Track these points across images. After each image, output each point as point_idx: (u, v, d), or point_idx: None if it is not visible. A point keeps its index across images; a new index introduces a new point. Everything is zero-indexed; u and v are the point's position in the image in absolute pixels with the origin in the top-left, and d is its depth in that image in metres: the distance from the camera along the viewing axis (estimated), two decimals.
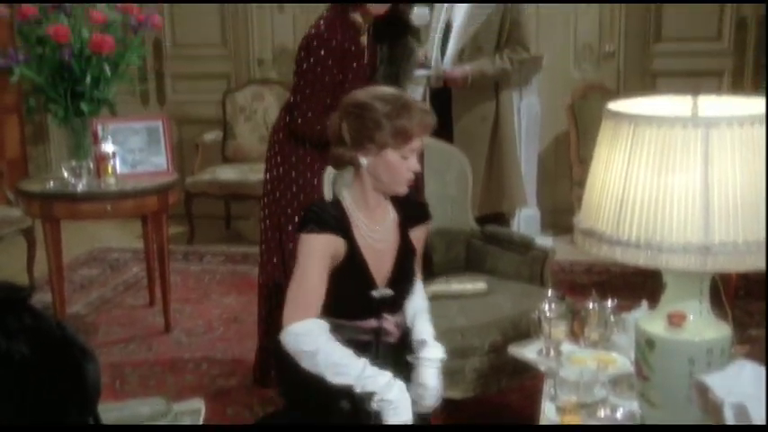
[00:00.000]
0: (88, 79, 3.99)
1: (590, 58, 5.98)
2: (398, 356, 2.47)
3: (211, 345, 4.22)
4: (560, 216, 5.56)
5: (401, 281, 2.50)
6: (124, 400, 2.20)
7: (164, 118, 4.44)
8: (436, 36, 4.64)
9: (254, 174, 5.65)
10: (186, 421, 2.09)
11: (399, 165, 2.39)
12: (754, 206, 1.71)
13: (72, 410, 1.29)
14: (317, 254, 2.35)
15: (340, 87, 3.33)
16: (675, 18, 5.82)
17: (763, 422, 1.57)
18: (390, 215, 2.51)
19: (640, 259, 1.77)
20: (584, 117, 5.41)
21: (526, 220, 5.65)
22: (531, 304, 2.71)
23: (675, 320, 1.87)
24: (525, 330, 2.65)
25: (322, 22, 3.37)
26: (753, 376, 1.67)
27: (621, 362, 2.37)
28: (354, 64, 3.37)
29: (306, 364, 2.28)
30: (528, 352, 2.54)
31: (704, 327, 1.89)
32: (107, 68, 4.05)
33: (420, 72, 4.62)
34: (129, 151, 4.22)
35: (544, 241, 4.90)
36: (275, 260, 3.50)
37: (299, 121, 3.36)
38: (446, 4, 4.62)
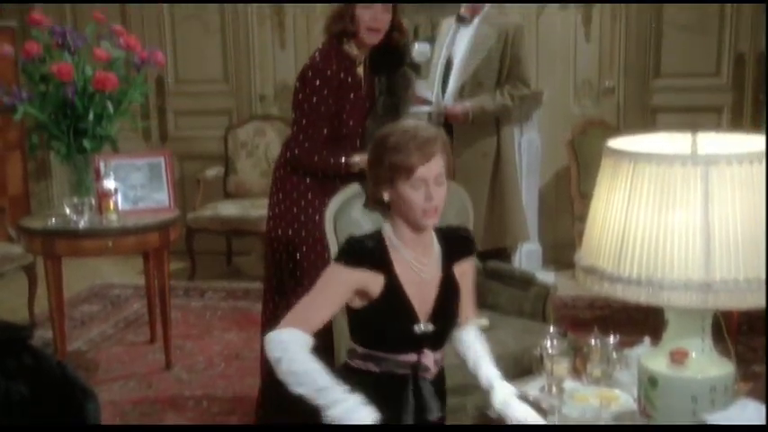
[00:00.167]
0: (91, 116, 4.00)
1: (590, 93, 6.02)
2: (435, 391, 2.45)
3: (212, 382, 4.20)
4: (562, 251, 5.57)
5: (443, 316, 2.45)
6: None
7: (166, 154, 4.45)
8: (437, 72, 4.67)
9: (256, 209, 5.67)
10: None
11: (412, 196, 2.33)
12: (754, 243, 1.71)
13: None
14: (337, 285, 2.34)
15: (338, 119, 3.36)
16: (674, 54, 5.86)
17: None
18: (435, 248, 2.47)
19: (641, 296, 1.77)
20: (585, 152, 5.43)
21: (527, 255, 5.65)
22: (533, 340, 2.69)
23: (678, 358, 1.87)
24: (528, 367, 2.64)
25: (317, 53, 3.41)
26: (755, 416, 1.66)
27: (624, 399, 2.35)
28: (352, 95, 3.39)
29: (276, 371, 2.25)
30: (530, 389, 2.52)
31: (707, 364, 1.88)
32: (110, 106, 4.07)
33: (421, 108, 4.65)
34: (130, 188, 4.23)
35: (546, 276, 4.90)
36: (277, 297, 3.49)
37: (297, 151, 3.37)
38: (447, 41, 4.66)
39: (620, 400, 2.35)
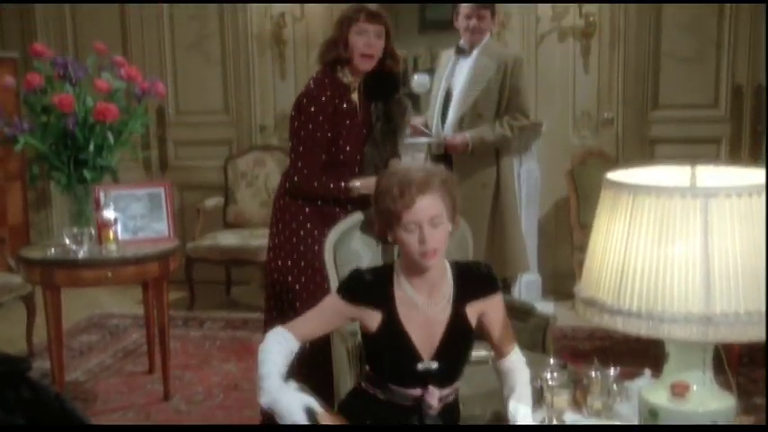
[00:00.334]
0: (91, 147, 4.01)
1: (589, 124, 6.04)
2: (445, 422, 2.45)
3: (211, 413, 4.17)
4: (561, 281, 5.56)
5: (449, 355, 2.43)
6: None
7: (166, 185, 4.46)
8: (437, 103, 4.70)
9: (255, 239, 5.67)
10: None
11: (406, 239, 2.32)
12: (754, 276, 1.71)
13: None
14: (331, 313, 2.43)
15: (335, 145, 3.38)
16: (672, 85, 5.90)
17: None
18: (446, 287, 2.43)
19: (642, 329, 1.77)
20: (584, 182, 5.45)
21: (527, 285, 5.65)
22: (532, 372, 2.68)
23: (679, 391, 1.86)
24: None
25: (311, 81, 3.46)
26: None
27: None
28: (347, 121, 3.41)
29: None
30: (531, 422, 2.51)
31: (708, 397, 1.88)
32: (110, 136, 4.08)
33: (421, 139, 4.67)
34: (130, 218, 4.24)
35: (545, 307, 4.89)
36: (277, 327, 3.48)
37: (296, 178, 3.39)
38: (446, 72, 4.69)
39: None
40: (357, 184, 3.37)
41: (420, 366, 2.38)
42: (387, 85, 3.54)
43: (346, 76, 3.43)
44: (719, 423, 1.84)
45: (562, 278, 5.55)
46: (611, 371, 2.52)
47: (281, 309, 3.46)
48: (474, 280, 2.47)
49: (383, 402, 2.41)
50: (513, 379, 2.48)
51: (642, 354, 4.07)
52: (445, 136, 4.56)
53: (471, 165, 4.55)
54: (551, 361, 2.53)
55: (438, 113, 4.67)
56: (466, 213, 3.94)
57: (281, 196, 3.54)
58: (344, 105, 3.40)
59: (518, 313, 3.46)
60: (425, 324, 2.39)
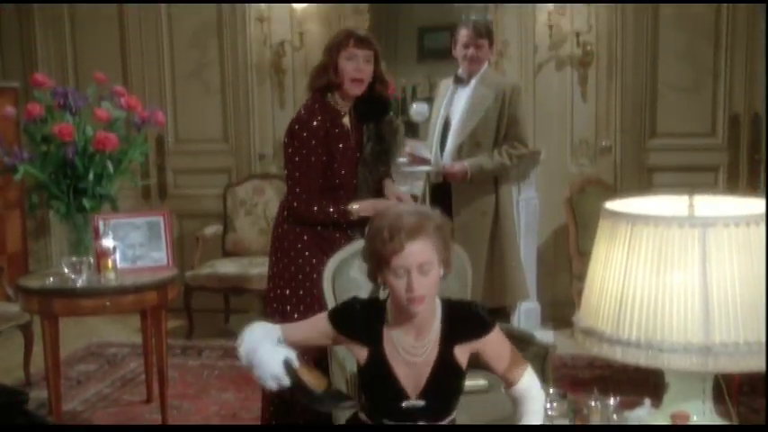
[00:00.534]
0: (91, 176, 4.02)
1: (587, 152, 6.06)
2: None
3: None
4: (560, 309, 5.55)
5: (437, 393, 2.39)
6: None
7: (165, 213, 4.46)
8: (435, 132, 4.72)
9: (254, 267, 5.66)
10: None
11: (394, 284, 2.27)
12: (753, 306, 1.71)
13: None
14: (318, 330, 2.42)
15: (330, 169, 3.40)
16: (669, 114, 5.93)
17: None
18: (434, 329, 2.38)
19: (641, 359, 1.77)
20: (583, 210, 5.46)
21: (526, 314, 5.64)
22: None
23: (679, 421, 1.85)
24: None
25: (302, 108, 3.50)
26: None
27: None
28: (340, 145, 3.43)
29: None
30: None
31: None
32: (110, 165, 4.09)
33: (420, 167, 4.69)
34: (129, 246, 4.23)
35: (544, 335, 4.87)
36: None
37: (295, 204, 3.41)
38: (444, 101, 4.71)
39: None
40: (356, 207, 3.39)
41: (405, 404, 2.37)
42: (377, 108, 3.56)
43: (336, 101, 3.46)
44: None
45: (561, 306, 5.54)
46: (611, 400, 2.50)
47: None
48: (464, 322, 2.40)
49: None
50: (522, 409, 2.45)
51: (642, 383, 4.03)
52: (444, 164, 4.58)
53: (470, 193, 4.56)
54: (551, 390, 2.52)
55: (437, 142, 4.68)
56: (465, 241, 3.97)
57: (279, 224, 3.55)
58: (336, 130, 3.43)
59: (517, 342, 3.44)
60: (412, 364, 2.36)
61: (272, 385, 2.27)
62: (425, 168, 4.65)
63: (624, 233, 1.82)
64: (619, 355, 1.81)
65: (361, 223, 3.35)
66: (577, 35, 5.85)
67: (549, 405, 2.43)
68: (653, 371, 1.99)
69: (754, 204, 1.88)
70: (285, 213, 3.50)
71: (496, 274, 4.63)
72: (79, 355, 5.55)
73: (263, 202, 6.22)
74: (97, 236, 4.03)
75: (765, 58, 5.41)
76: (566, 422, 2.42)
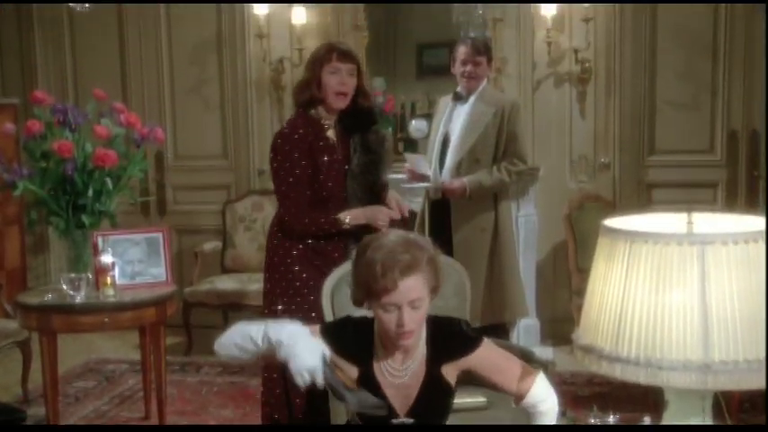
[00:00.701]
0: (90, 192, 4.03)
1: (586, 169, 6.07)
2: None
3: None
4: (560, 325, 5.54)
5: (426, 411, 2.37)
6: None
7: (164, 230, 4.47)
8: (434, 149, 4.73)
9: (253, 283, 5.65)
10: None
11: (383, 318, 2.20)
12: (753, 324, 1.71)
13: None
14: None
15: (317, 182, 3.40)
16: (668, 131, 5.94)
17: None
18: (419, 350, 2.33)
19: (640, 377, 1.76)
20: (582, 227, 5.46)
21: (525, 330, 5.63)
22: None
23: None
24: None
25: (286, 123, 3.54)
26: None
27: None
28: (325, 158, 3.43)
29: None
30: None
31: None
32: (109, 182, 4.10)
33: (419, 184, 4.69)
34: (128, 263, 4.24)
35: (544, 352, 4.87)
36: (275, 375, 3.47)
37: (286, 218, 3.42)
38: (444, 118, 4.72)
39: None
40: (347, 218, 3.38)
41: (395, 421, 2.35)
42: (362, 120, 3.56)
43: (320, 115, 3.48)
44: None
45: (560, 323, 5.54)
46: (611, 418, 2.50)
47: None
48: (449, 341, 2.36)
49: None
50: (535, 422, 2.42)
51: (641, 400, 4.05)
52: (443, 181, 4.58)
53: (469, 209, 4.57)
54: None
55: (436, 159, 4.69)
56: (464, 258, 3.98)
57: (271, 238, 3.56)
58: (321, 143, 3.44)
59: None
60: (400, 385, 2.34)
61: (305, 379, 2.15)
62: (424, 185, 4.66)
63: (623, 250, 1.82)
64: (618, 372, 1.80)
65: (353, 234, 3.36)
66: (576, 52, 5.88)
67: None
68: (652, 388, 1.98)
69: (753, 222, 1.88)
70: (275, 228, 3.51)
71: (496, 291, 4.63)
72: (77, 372, 5.53)
73: (262, 218, 6.22)
74: (96, 252, 4.04)
75: (765, 58, 5.42)
76: None
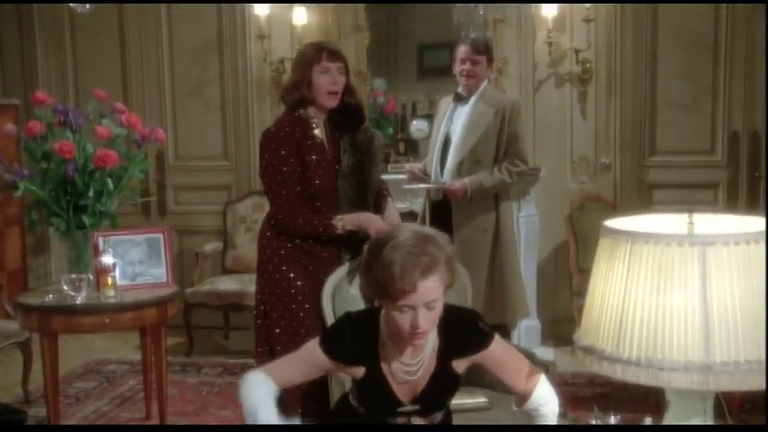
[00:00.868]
0: (91, 193, 4.03)
1: (587, 169, 6.07)
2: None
3: None
4: (561, 326, 5.54)
5: (432, 398, 2.37)
6: None
7: (165, 230, 4.47)
8: (436, 149, 4.73)
9: (254, 284, 5.63)
10: None
11: (397, 319, 2.15)
12: (754, 325, 1.71)
13: None
14: (311, 363, 2.32)
15: (305, 179, 3.38)
16: (669, 131, 5.94)
17: None
18: (430, 343, 2.30)
19: (641, 378, 1.76)
20: (583, 227, 5.45)
21: (526, 331, 5.62)
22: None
23: None
24: None
25: (273, 122, 3.54)
26: None
27: None
28: (314, 156, 3.40)
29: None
30: None
31: None
32: (110, 182, 4.10)
33: (420, 185, 4.69)
34: (129, 263, 4.24)
35: (545, 353, 4.87)
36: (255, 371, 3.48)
37: (280, 216, 3.40)
38: (444, 119, 4.72)
39: None
40: (339, 224, 3.35)
41: (400, 409, 2.35)
42: (352, 118, 3.55)
43: (308, 115, 3.46)
44: None
45: (561, 323, 5.53)
46: (612, 418, 2.49)
47: (272, 354, 3.46)
48: (462, 336, 2.33)
49: (369, 421, 2.38)
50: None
51: (643, 400, 4.04)
52: (444, 182, 4.58)
53: (470, 210, 4.57)
54: None
55: (437, 159, 4.69)
56: (465, 258, 3.96)
57: (259, 240, 3.55)
58: (309, 142, 3.42)
59: None
60: (409, 380, 2.33)
61: None
62: (425, 186, 4.65)
63: (624, 251, 1.81)
64: (619, 373, 1.80)
65: (345, 241, 3.35)
66: (577, 52, 5.88)
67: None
68: (654, 389, 1.98)
69: (753, 222, 1.88)
70: (265, 228, 3.49)
71: (497, 292, 4.63)
72: (78, 373, 5.53)
73: (262, 218, 6.19)
74: (97, 253, 4.04)
75: (766, 59, 5.41)
76: None
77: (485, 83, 4.67)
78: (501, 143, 4.57)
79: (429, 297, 2.12)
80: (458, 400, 3.20)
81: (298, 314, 3.32)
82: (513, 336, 5.21)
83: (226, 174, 6.59)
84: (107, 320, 3.99)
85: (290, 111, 3.48)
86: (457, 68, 4.62)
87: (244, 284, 5.80)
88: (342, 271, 3.25)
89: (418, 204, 4.88)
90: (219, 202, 6.39)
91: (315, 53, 3.43)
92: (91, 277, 4.04)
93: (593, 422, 2.48)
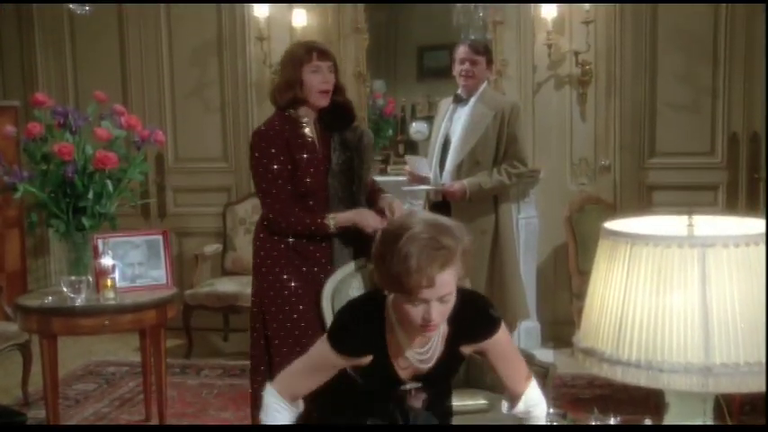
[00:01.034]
0: (90, 195, 4.03)
1: (586, 171, 6.07)
2: (432, 412, 2.44)
3: None
4: (560, 328, 5.54)
5: (435, 377, 2.36)
6: None
7: (164, 232, 4.47)
8: (435, 151, 4.73)
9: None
10: None
11: (410, 312, 2.12)
12: (753, 327, 1.70)
13: None
14: (323, 365, 2.31)
15: (296, 178, 3.38)
16: (668, 133, 5.94)
17: None
18: (440, 330, 2.27)
19: (641, 379, 1.76)
20: (582, 229, 5.46)
21: (526, 332, 5.62)
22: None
23: None
24: None
25: (263, 122, 3.53)
26: None
27: None
28: (304, 155, 3.40)
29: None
30: None
31: None
32: (109, 184, 4.10)
33: (420, 186, 4.69)
34: (128, 265, 4.24)
35: (545, 354, 4.87)
36: (262, 368, 3.49)
37: (271, 215, 3.40)
38: (444, 120, 4.72)
39: None
40: (332, 222, 3.34)
41: (401, 387, 2.36)
42: (342, 116, 3.55)
43: (298, 114, 3.46)
44: None
45: (561, 325, 5.53)
46: (612, 420, 2.49)
47: (268, 353, 3.47)
48: (473, 323, 2.31)
49: (366, 390, 2.38)
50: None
51: (643, 402, 4.04)
52: (443, 183, 4.58)
53: (470, 212, 4.56)
54: (551, 410, 2.51)
55: (436, 161, 4.69)
56: None
57: (253, 241, 3.56)
58: (299, 140, 3.42)
59: None
60: (422, 366, 2.35)
61: None
62: (425, 187, 4.66)
63: (624, 253, 1.81)
64: (619, 375, 1.80)
65: (339, 236, 3.34)
66: (576, 54, 5.88)
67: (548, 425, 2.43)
68: (653, 390, 1.98)
69: (753, 224, 1.87)
70: (258, 229, 3.49)
71: (496, 293, 4.62)
72: (77, 375, 5.53)
73: None
74: (96, 255, 4.04)
75: (766, 60, 5.41)
76: None
77: (484, 84, 4.67)
78: (500, 145, 4.57)
79: (444, 291, 2.10)
80: (458, 402, 3.22)
81: (291, 315, 3.32)
82: (513, 337, 5.20)
83: (225, 175, 6.60)
84: (106, 322, 3.99)
85: (280, 110, 3.48)
86: (456, 69, 4.62)
87: (243, 286, 5.79)
88: (342, 272, 3.24)
89: (418, 206, 4.88)
90: (219, 203, 6.39)
91: (305, 53, 3.43)
92: (90, 279, 4.04)
93: (593, 423, 2.48)
